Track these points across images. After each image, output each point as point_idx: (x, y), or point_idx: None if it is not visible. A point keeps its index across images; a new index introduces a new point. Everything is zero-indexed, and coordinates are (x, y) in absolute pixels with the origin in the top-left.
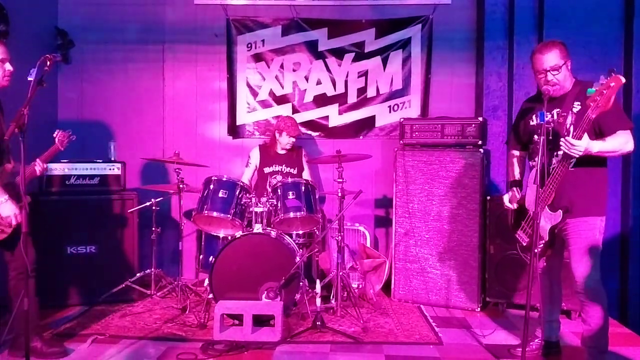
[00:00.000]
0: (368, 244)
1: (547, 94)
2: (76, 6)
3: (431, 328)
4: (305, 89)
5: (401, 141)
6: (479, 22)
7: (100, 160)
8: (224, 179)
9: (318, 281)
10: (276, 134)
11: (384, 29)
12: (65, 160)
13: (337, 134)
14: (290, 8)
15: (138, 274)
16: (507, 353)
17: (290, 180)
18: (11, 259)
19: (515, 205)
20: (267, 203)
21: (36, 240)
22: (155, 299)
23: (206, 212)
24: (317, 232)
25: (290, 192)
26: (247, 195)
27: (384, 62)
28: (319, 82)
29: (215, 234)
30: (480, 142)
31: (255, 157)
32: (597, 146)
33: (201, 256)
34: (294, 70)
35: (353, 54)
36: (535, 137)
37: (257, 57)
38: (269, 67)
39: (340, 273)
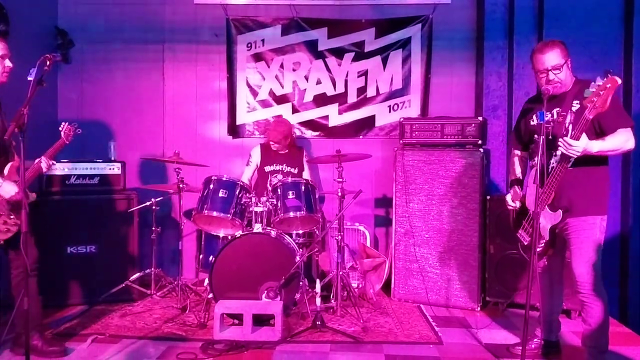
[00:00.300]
0: (368, 244)
1: (547, 93)
2: (76, 6)
3: (431, 327)
4: (305, 89)
5: (401, 141)
6: (479, 21)
7: (100, 160)
8: (224, 179)
9: (318, 281)
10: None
11: (384, 29)
12: (65, 160)
13: (337, 133)
14: (290, 8)
15: (138, 274)
16: (506, 352)
17: (290, 179)
18: (15, 257)
19: (518, 204)
20: (267, 203)
21: (36, 240)
22: (155, 299)
23: (206, 211)
24: (317, 232)
25: (290, 192)
26: (247, 194)
27: (384, 61)
28: (318, 82)
29: (215, 234)
30: (480, 142)
31: (256, 156)
32: (596, 146)
33: (201, 256)
34: (293, 70)
35: (353, 54)
36: (536, 136)
37: (257, 57)
38: (268, 66)
39: (340, 272)
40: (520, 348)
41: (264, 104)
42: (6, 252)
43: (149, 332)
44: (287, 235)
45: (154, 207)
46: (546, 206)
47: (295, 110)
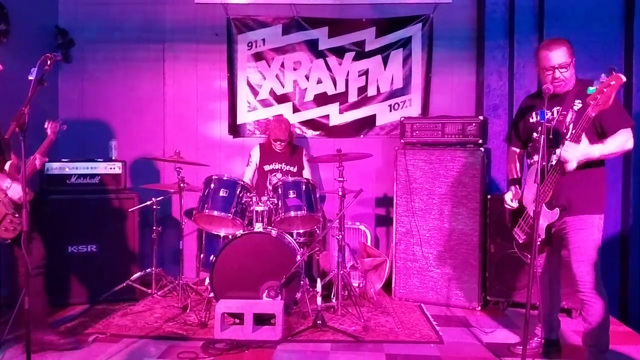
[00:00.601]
0: (369, 243)
1: (548, 92)
2: (77, 5)
3: (432, 327)
4: (306, 88)
5: (402, 140)
6: (480, 21)
7: (101, 160)
8: (225, 178)
9: (319, 280)
10: (269, 137)
11: (385, 28)
12: (66, 160)
13: (338, 133)
14: (291, 7)
15: (139, 273)
16: (507, 351)
17: (290, 179)
18: (22, 255)
19: (516, 205)
20: (268, 202)
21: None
22: (156, 298)
23: (207, 211)
24: (317, 231)
25: (291, 191)
26: (248, 194)
27: (385, 61)
28: (319, 81)
29: (216, 233)
30: (480, 141)
31: (255, 156)
32: (597, 151)
33: (202, 255)
34: (294, 69)
35: (353, 53)
36: (535, 134)
37: (258, 56)
38: (269, 66)
39: (341, 272)
40: (521, 347)
41: (265, 103)
42: (13, 250)
43: (149, 331)
44: (287, 235)
45: (154, 207)
46: (543, 204)
47: (295, 110)
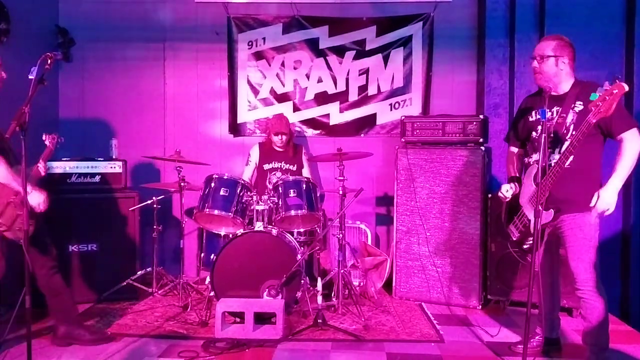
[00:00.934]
0: (369, 242)
1: (548, 91)
2: (77, 4)
3: (432, 326)
4: (306, 87)
5: (402, 139)
6: (480, 19)
7: (102, 159)
8: (225, 177)
9: (319, 279)
10: (269, 134)
11: (385, 27)
12: (66, 159)
13: (338, 132)
14: (291, 6)
15: (139, 272)
16: (508, 350)
17: (291, 178)
18: (37, 256)
19: (510, 195)
20: (268, 201)
21: (44, 238)
22: (156, 297)
23: (207, 210)
24: (318, 230)
25: (292, 190)
26: (249, 193)
27: (385, 60)
28: (319, 80)
29: (216, 232)
30: (481, 140)
31: (255, 155)
32: (618, 181)
33: (202, 254)
34: (294, 68)
35: (354, 52)
36: (534, 133)
37: (258, 55)
38: (269, 65)
39: (342, 271)
40: (522, 346)
41: (265, 102)
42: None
43: (150, 330)
44: (288, 234)
45: (155, 206)
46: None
47: (296, 109)
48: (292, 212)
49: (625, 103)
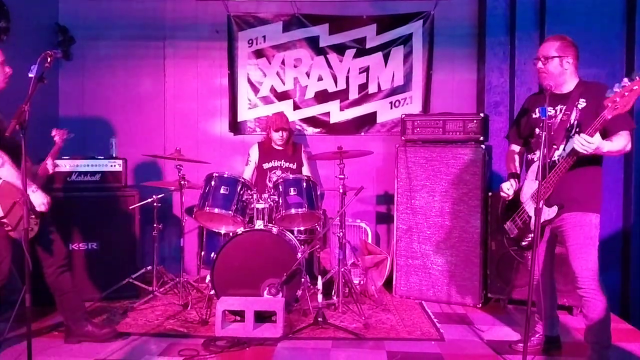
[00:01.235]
0: (369, 240)
1: (549, 90)
2: (77, 3)
3: (433, 324)
4: (307, 85)
5: (402, 137)
6: (481, 17)
7: (102, 157)
8: (226, 176)
9: (320, 277)
10: (269, 132)
11: (385, 25)
12: (66, 157)
13: (339, 130)
14: (291, 4)
15: (140, 271)
16: (508, 349)
17: (291, 176)
18: (44, 256)
19: (512, 192)
20: (269, 199)
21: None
22: (157, 296)
23: (207, 208)
24: (318, 229)
25: (292, 189)
26: (249, 191)
27: (385, 58)
28: (320, 78)
29: (216, 231)
30: (481, 138)
31: (254, 154)
32: (607, 146)
33: (203, 253)
34: (295, 67)
35: (354, 50)
36: (537, 130)
37: (258, 53)
38: (270, 63)
39: (342, 269)
40: (522, 345)
41: (265, 100)
42: (35, 251)
43: (150, 328)
44: (288, 232)
45: (155, 204)
46: (542, 201)
47: (296, 107)
48: (293, 211)
49: None
